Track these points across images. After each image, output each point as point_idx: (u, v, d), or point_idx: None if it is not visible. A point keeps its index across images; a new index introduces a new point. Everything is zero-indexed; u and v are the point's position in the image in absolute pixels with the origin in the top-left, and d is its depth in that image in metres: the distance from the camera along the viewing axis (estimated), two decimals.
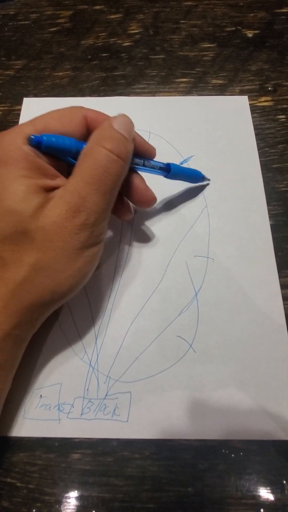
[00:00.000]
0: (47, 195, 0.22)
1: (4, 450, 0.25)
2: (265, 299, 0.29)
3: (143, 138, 0.27)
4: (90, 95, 0.39)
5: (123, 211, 0.28)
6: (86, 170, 0.22)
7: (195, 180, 0.32)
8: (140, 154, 0.27)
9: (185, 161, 0.35)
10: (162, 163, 0.28)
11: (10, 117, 0.38)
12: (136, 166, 0.27)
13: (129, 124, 0.24)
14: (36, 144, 0.22)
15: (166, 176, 0.29)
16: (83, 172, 0.22)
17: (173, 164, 0.29)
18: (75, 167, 0.23)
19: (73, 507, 0.24)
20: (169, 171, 0.29)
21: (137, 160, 0.26)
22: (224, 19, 0.44)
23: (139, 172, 0.27)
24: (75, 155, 0.23)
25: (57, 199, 0.22)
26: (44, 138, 0.22)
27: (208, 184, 0.33)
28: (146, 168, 0.27)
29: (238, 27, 0.43)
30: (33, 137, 0.22)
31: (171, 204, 0.33)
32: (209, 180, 0.33)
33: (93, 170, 0.22)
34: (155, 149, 0.28)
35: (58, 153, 0.23)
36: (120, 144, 0.23)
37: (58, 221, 0.21)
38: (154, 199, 0.28)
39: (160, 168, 0.28)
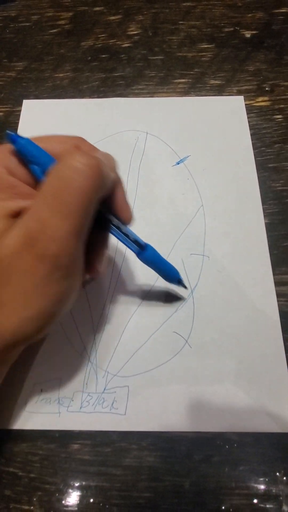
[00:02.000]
0: (13, 220, 0.19)
1: (6, 441, 0.26)
2: (259, 296, 0.30)
3: (124, 193, 0.22)
4: (90, 96, 0.39)
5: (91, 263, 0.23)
6: (49, 188, 0.19)
7: (168, 279, 0.27)
8: (112, 210, 0.22)
9: (181, 161, 0.35)
10: (139, 238, 0.23)
11: (12, 118, 0.39)
12: (112, 225, 0.22)
13: (108, 154, 0.22)
14: (11, 140, 0.20)
15: (137, 255, 0.24)
16: (45, 190, 0.19)
17: (152, 247, 0.24)
18: (39, 185, 0.20)
19: (72, 495, 0.25)
20: (143, 249, 0.24)
21: (113, 218, 0.22)
22: (222, 20, 0.44)
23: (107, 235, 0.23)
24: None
25: (19, 224, 0.19)
26: (21, 140, 0.20)
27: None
28: (118, 232, 0.22)
29: (236, 28, 0.43)
30: (10, 133, 0.20)
31: (168, 203, 0.33)
32: (186, 288, 0.29)
33: (55, 188, 0.18)
34: (132, 216, 0.23)
35: (28, 160, 0.21)
36: (92, 158, 0.19)
37: (16, 252, 0.18)
38: (99, 274, 0.23)
39: (135, 242, 0.23)
